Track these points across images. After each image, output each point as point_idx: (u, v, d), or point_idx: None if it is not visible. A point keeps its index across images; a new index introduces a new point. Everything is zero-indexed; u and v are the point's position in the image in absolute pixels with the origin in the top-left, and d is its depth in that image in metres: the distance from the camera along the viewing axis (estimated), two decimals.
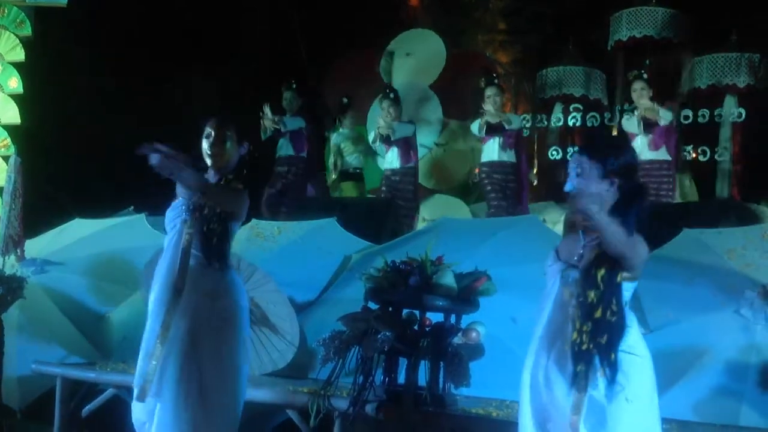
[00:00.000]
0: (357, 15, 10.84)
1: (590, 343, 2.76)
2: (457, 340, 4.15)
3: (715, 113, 8.83)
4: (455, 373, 4.07)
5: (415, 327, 4.19)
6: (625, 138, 2.55)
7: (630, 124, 7.64)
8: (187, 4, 10.46)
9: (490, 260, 4.67)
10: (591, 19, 10.24)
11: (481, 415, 4.06)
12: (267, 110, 8.32)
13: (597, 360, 2.77)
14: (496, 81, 8.01)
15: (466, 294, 4.20)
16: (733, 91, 8.84)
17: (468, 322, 4.23)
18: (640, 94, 7.50)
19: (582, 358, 2.78)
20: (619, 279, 2.79)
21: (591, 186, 2.86)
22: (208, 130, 3.78)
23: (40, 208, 7.19)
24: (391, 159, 8.26)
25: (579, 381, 2.78)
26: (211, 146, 3.76)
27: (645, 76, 7.61)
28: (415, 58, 10.13)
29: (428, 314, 4.23)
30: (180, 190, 3.79)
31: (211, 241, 3.68)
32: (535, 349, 2.98)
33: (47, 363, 5.40)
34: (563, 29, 10.44)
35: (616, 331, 2.78)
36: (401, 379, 4.23)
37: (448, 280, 4.16)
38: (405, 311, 4.25)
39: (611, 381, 2.77)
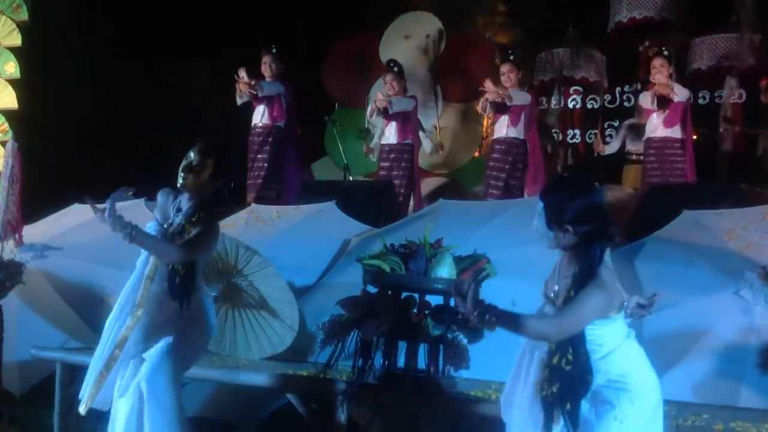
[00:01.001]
0: None
1: (548, 390, 2.76)
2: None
3: (716, 94, 8.81)
4: (455, 356, 4.07)
5: (415, 310, 4.18)
6: (582, 183, 2.52)
7: (645, 100, 7.60)
8: None
9: (490, 243, 4.66)
10: (591, 1, 10.19)
11: (480, 398, 4.07)
12: (242, 74, 7.90)
13: (554, 409, 2.75)
14: (511, 57, 7.91)
15: (466, 277, 4.18)
16: (734, 72, 8.81)
17: None
18: (659, 70, 7.41)
19: (544, 404, 2.78)
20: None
21: (546, 233, 2.86)
22: (191, 153, 3.79)
23: (39, 193, 7.16)
24: (388, 134, 8.09)
25: (544, 424, 2.78)
26: (185, 168, 3.78)
27: (666, 52, 7.52)
28: (415, 40, 10.09)
29: (427, 297, 4.22)
30: (157, 213, 3.87)
31: (174, 280, 3.74)
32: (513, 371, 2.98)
33: (47, 348, 5.41)
34: (563, 11, 10.38)
35: (570, 381, 2.74)
36: (401, 362, 4.23)
37: (448, 263, 4.15)
38: (404, 294, 4.24)
39: (572, 425, 2.72)
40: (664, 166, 7.48)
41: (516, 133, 7.74)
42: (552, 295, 2.89)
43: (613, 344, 2.81)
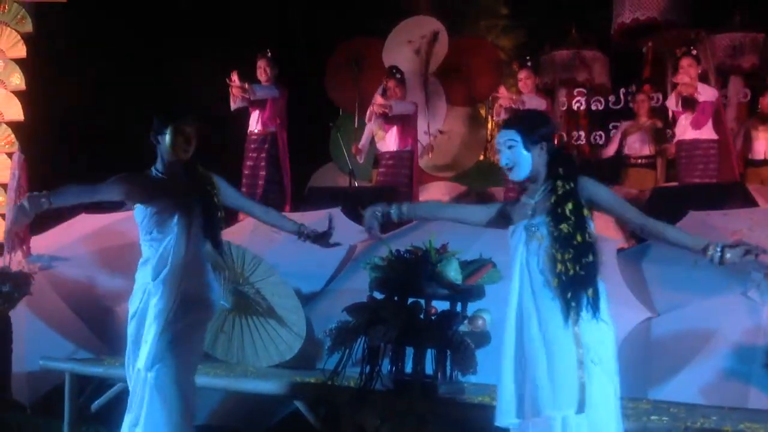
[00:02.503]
0: (358, 2, 10.80)
1: (576, 266, 2.96)
2: (464, 327, 4.15)
3: (721, 94, 8.78)
4: (462, 361, 4.07)
5: (421, 316, 4.18)
6: (543, 112, 2.99)
7: (670, 101, 7.50)
8: None
9: (494, 246, 4.65)
10: (594, 2, 10.19)
11: (488, 403, 4.06)
12: (234, 77, 7.84)
13: (581, 287, 2.96)
14: (529, 63, 7.89)
15: (472, 281, 4.19)
16: (738, 72, 8.79)
17: (474, 310, 4.23)
18: (686, 70, 7.25)
19: (570, 285, 2.96)
20: (585, 212, 3.04)
21: (522, 156, 3.12)
22: (188, 130, 3.78)
23: None
24: (388, 140, 8.04)
25: (572, 310, 2.95)
26: (189, 145, 3.78)
27: (693, 52, 7.40)
28: (416, 44, 10.10)
29: (434, 303, 4.22)
30: (160, 193, 3.77)
31: (220, 226, 3.84)
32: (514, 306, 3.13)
33: (55, 359, 5.41)
34: (566, 13, 10.39)
35: (596, 253, 3.02)
36: (408, 368, 4.24)
37: (453, 268, 4.15)
38: (410, 300, 4.24)
39: (595, 306, 2.95)
40: (696, 167, 7.36)
41: None
42: (530, 213, 3.12)
43: None
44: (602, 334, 2.99)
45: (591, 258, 2.99)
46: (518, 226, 3.16)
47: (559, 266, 2.97)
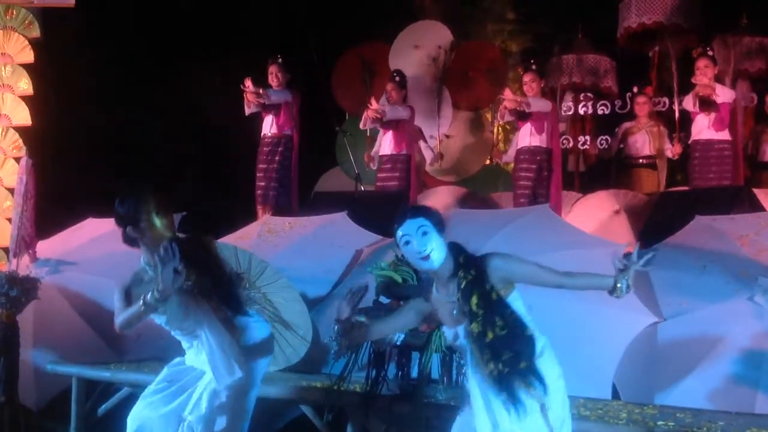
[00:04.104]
0: (365, 7, 10.81)
1: (498, 366, 2.81)
2: None
3: None
4: None
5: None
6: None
7: (687, 102, 7.42)
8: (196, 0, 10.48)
9: (502, 250, 4.65)
10: (600, 7, 10.18)
11: None
12: (248, 83, 7.87)
13: (516, 377, 2.82)
14: (533, 67, 7.90)
15: None
16: (745, 76, 8.77)
17: None
18: (703, 72, 7.16)
19: (502, 385, 2.82)
20: (494, 297, 2.88)
21: (438, 241, 2.97)
22: (164, 201, 3.42)
23: (53, 208, 7.20)
24: (384, 144, 8.10)
25: (515, 406, 2.82)
26: (169, 218, 3.42)
27: (710, 53, 7.33)
28: (425, 50, 10.12)
29: None
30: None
31: (230, 291, 3.56)
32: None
33: (63, 363, 5.43)
34: (572, 17, 10.38)
35: (515, 341, 2.85)
36: (414, 372, 4.24)
37: None
38: None
39: (542, 386, 2.83)
40: (710, 169, 7.31)
41: (540, 141, 7.70)
42: (455, 314, 2.95)
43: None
44: (560, 396, 2.92)
45: (509, 354, 2.81)
46: (458, 331, 3.00)
47: (488, 367, 2.83)
